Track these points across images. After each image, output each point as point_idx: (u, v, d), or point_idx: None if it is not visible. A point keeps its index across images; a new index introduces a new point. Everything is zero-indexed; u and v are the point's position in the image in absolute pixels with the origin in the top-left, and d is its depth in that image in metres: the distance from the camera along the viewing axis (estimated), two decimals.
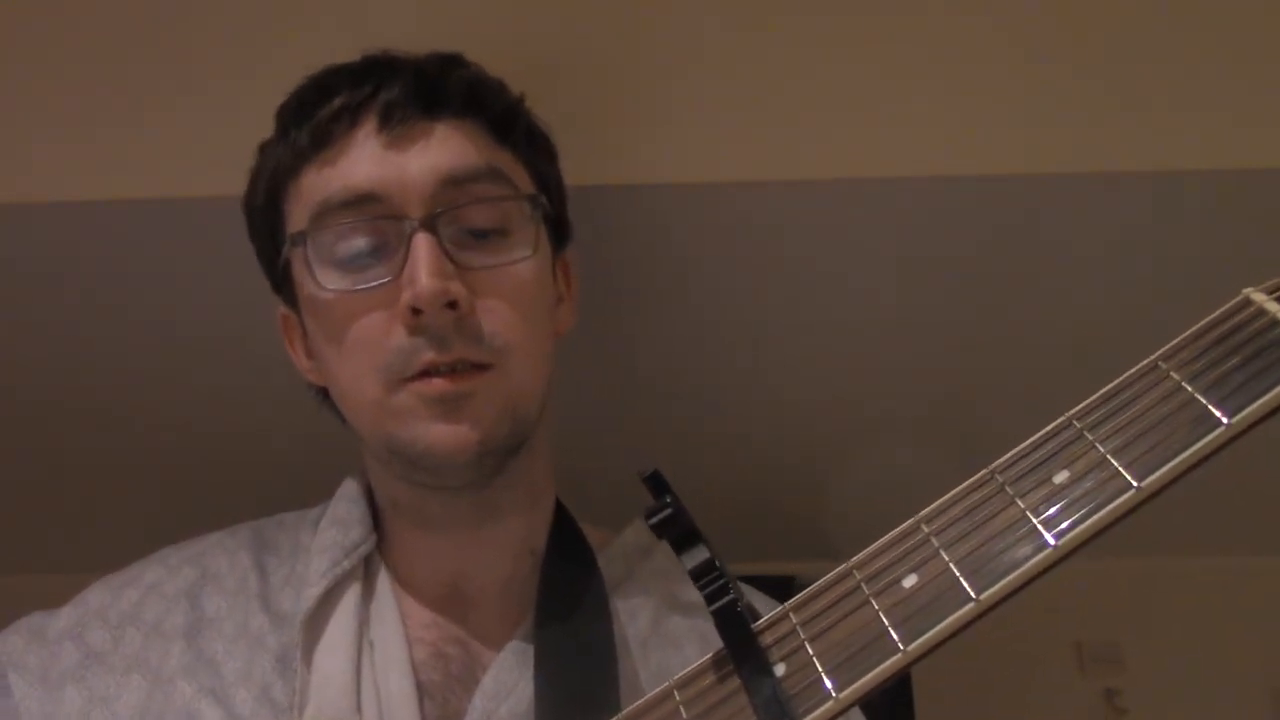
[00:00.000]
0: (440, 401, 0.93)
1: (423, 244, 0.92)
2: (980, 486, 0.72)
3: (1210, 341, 0.70)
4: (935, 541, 0.70)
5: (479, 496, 1.01)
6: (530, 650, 0.97)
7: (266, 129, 1.04)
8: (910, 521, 0.73)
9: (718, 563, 0.72)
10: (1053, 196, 1.26)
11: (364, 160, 0.96)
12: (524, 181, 1.02)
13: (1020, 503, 0.69)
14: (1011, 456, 0.72)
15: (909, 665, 0.68)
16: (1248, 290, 0.72)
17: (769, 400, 1.56)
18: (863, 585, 0.71)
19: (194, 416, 1.54)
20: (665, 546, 0.75)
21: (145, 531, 1.18)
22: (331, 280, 0.95)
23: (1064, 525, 0.67)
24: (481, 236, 0.97)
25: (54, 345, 1.41)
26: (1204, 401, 0.67)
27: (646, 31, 1.25)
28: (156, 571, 1.05)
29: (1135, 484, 0.66)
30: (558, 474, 1.11)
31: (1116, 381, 0.72)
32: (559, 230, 1.09)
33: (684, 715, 0.72)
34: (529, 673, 0.96)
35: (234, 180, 1.07)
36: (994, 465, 0.72)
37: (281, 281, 1.05)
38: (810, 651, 0.70)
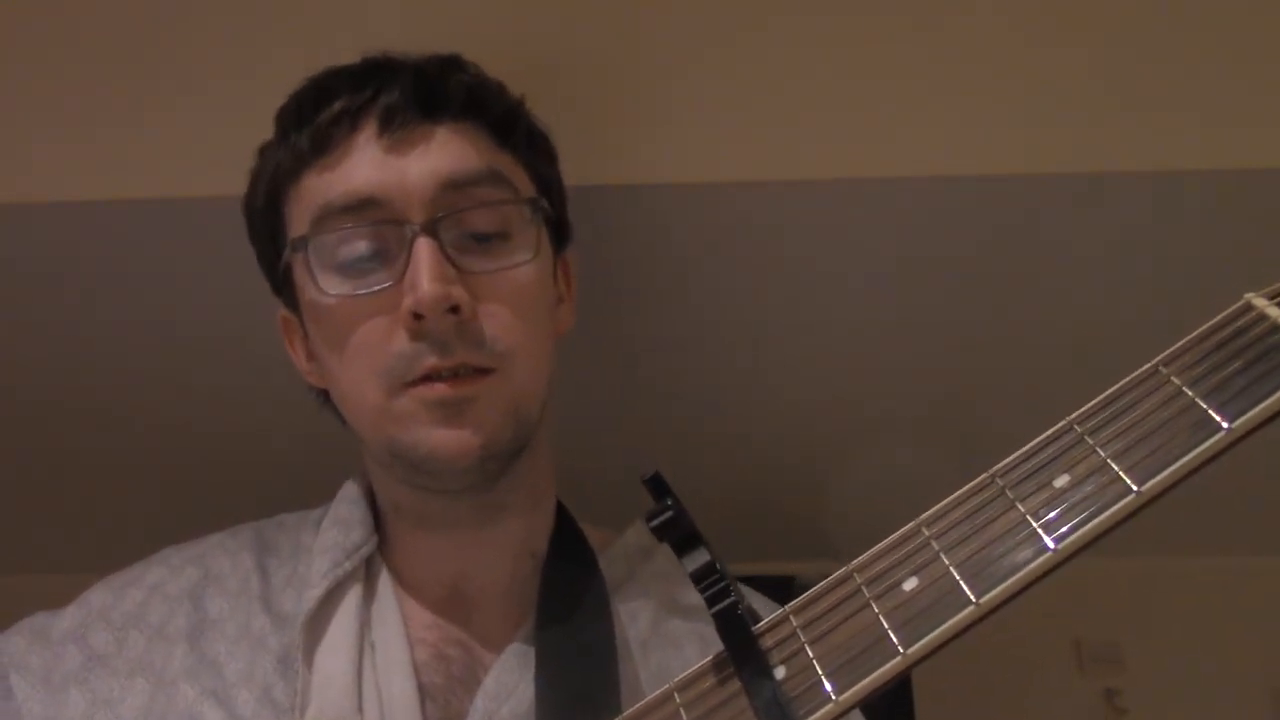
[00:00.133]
0: (442, 406, 0.93)
1: (424, 249, 0.92)
2: (981, 490, 0.72)
3: (1211, 346, 0.70)
4: (936, 545, 0.70)
5: (481, 498, 1.01)
6: (531, 652, 0.97)
7: (266, 129, 1.04)
8: (911, 525, 0.73)
9: (718, 565, 0.73)
10: (1053, 196, 1.26)
11: (364, 164, 0.96)
12: (524, 184, 1.02)
13: (1021, 506, 0.69)
14: (1012, 460, 0.72)
15: (909, 668, 0.68)
16: (1249, 295, 0.72)
17: (769, 400, 1.56)
18: (863, 588, 0.71)
19: (194, 416, 1.54)
20: (666, 548, 0.75)
21: (145, 531, 1.18)
22: (333, 285, 0.95)
23: (1064, 529, 0.67)
24: (483, 240, 0.97)
25: (54, 345, 1.41)
26: (1204, 406, 0.67)
27: (646, 31, 1.25)
28: (159, 572, 1.05)
29: (1135, 488, 0.66)
30: (558, 474, 1.11)
31: (1117, 386, 0.72)
32: (559, 231, 1.09)
33: (684, 717, 0.73)
34: (530, 674, 0.96)
35: (234, 180, 1.07)
36: (995, 469, 0.72)
37: (282, 285, 1.05)
38: (810, 654, 0.70)
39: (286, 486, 1.28)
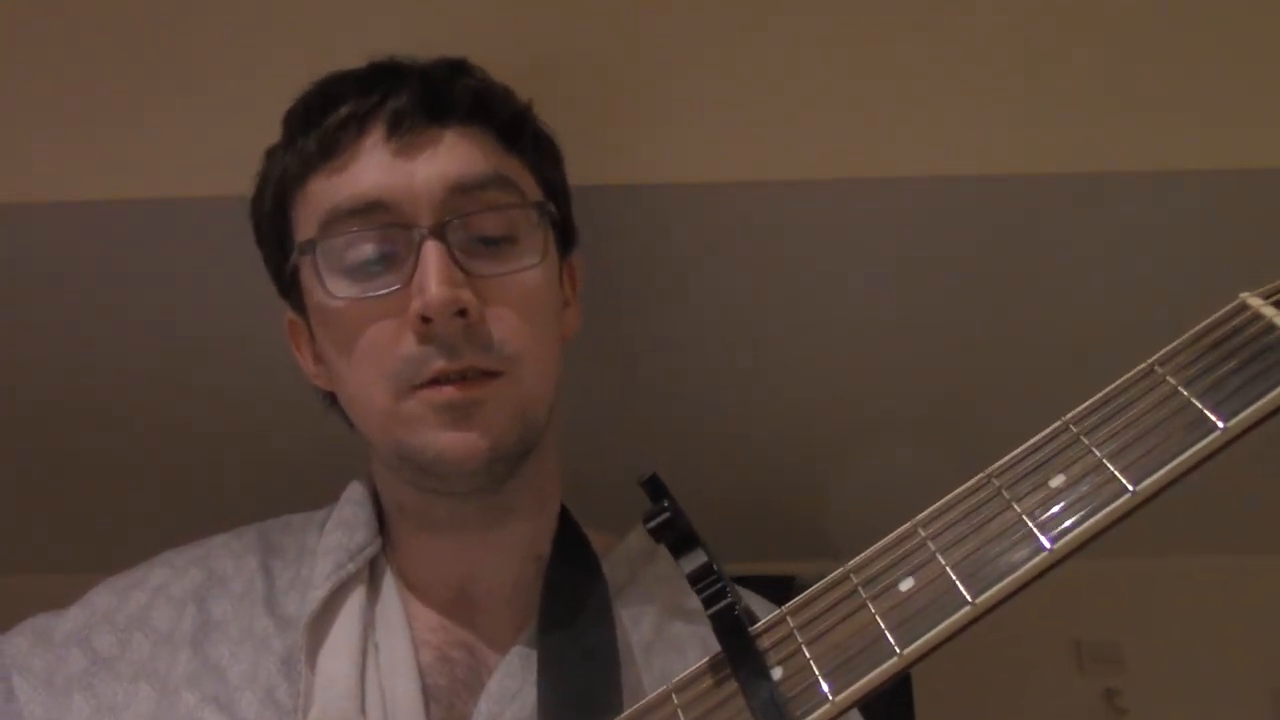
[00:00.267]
0: (450, 409, 0.93)
1: (432, 252, 0.92)
2: (977, 490, 0.72)
3: (1206, 345, 0.70)
4: (932, 545, 0.70)
5: (488, 501, 1.01)
6: (534, 655, 0.97)
7: (267, 129, 1.04)
8: (907, 525, 0.73)
9: (715, 566, 0.73)
10: (1053, 196, 1.26)
11: (372, 168, 0.96)
12: (531, 188, 1.02)
13: (1017, 506, 0.69)
14: (1008, 460, 0.72)
15: (906, 668, 0.68)
16: (1244, 295, 0.72)
17: (769, 400, 1.56)
18: (860, 589, 0.71)
19: (194, 416, 1.54)
20: (669, 552, 0.75)
21: (145, 531, 1.18)
22: (341, 288, 0.95)
23: (1060, 529, 0.67)
24: (490, 244, 0.97)
25: (54, 345, 1.41)
26: (1200, 405, 0.67)
27: (646, 31, 1.25)
28: (162, 573, 1.05)
29: (1131, 488, 0.66)
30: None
31: (1113, 386, 0.72)
32: (565, 234, 1.09)
33: (682, 718, 0.73)
34: (533, 678, 0.96)
35: (234, 180, 1.07)
36: (991, 469, 0.73)
37: (289, 288, 1.04)
38: (807, 655, 0.70)
39: (286, 487, 1.28)
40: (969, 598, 0.67)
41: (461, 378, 0.93)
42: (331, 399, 1.07)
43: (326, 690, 0.94)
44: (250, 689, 0.94)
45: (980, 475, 0.73)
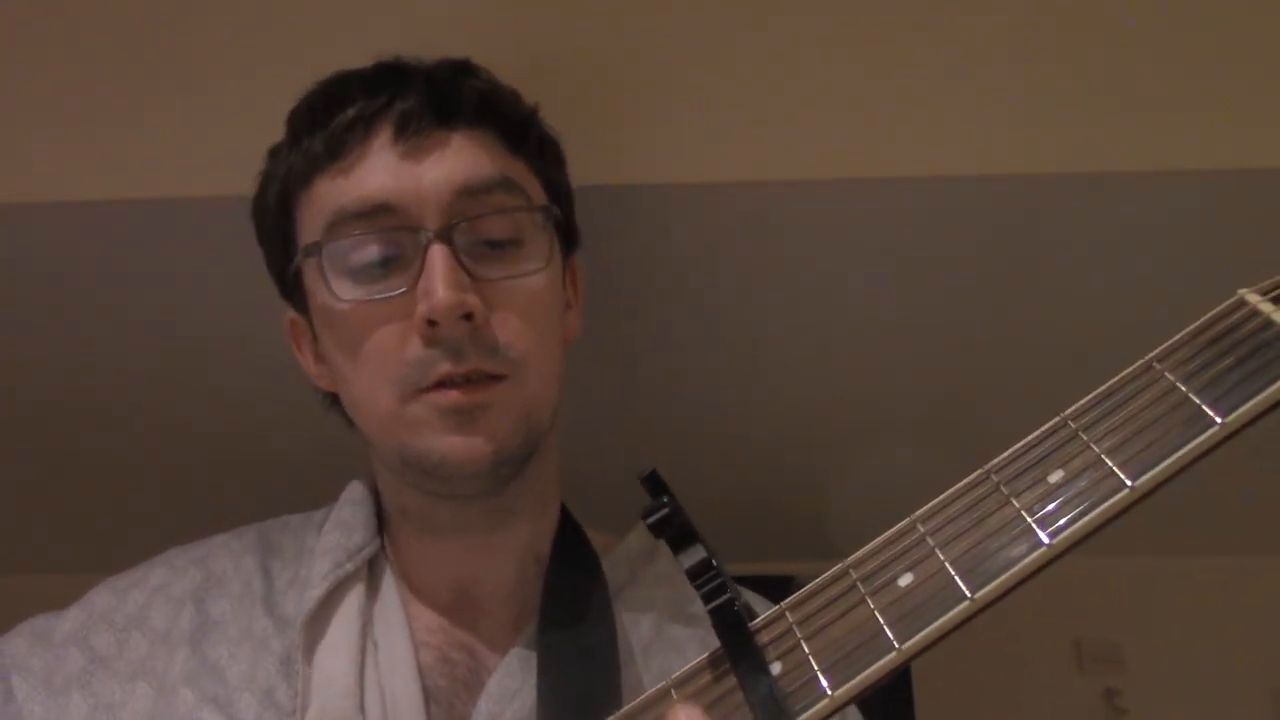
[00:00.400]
0: (456, 413, 0.93)
1: (439, 256, 0.92)
2: (976, 486, 0.72)
3: (1205, 342, 0.71)
4: (931, 540, 0.70)
5: (490, 504, 1.01)
6: (533, 655, 0.97)
7: (267, 129, 1.04)
8: (906, 521, 0.73)
9: (714, 562, 0.73)
10: (1053, 196, 1.26)
11: (379, 170, 0.96)
12: (536, 191, 1.02)
13: (1015, 502, 0.69)
14: (1007, 456, 0.73)
15: (904, 664, 0.68)
16: (1242, 291, 0.72)
17: (769, 400, 1.56)
18: (859, 584, 0.71)
19: (194, 416, 1.54)
20: (669, 551, 0.75)
21: (145, 531, 1.18)
22: (346, 290, 0.95)
23: (1058, 524, 0.67)
24: (496, 247, 0.97)
25: (54, 345, 1.41)
26: (1198, 401, 0.68)
27: (646, 32, 1.25)
28: (162, 573, 1.05)
29: (1129, 483, 0.66)
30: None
31: (1111, 381, 0.72)
32: (568, 236, 1.09)
33: None
34: (532, 677, 0.96)
35: (234, 180, 1.07)
36: (989, 465, 0.73)
37: (292, 288, 1.04)
38: (806, 650, 0.70)
39: (286, 487, 1.29)
40: (968, 593, 0.67)
41: (466, 381, 0.93)
42: (332, 399, 1.07)
43: (325, 688, 0.94)
44: (249, 690, 0.94)
45: (979, 471, 0.73)
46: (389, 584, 1.03)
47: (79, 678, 0.97)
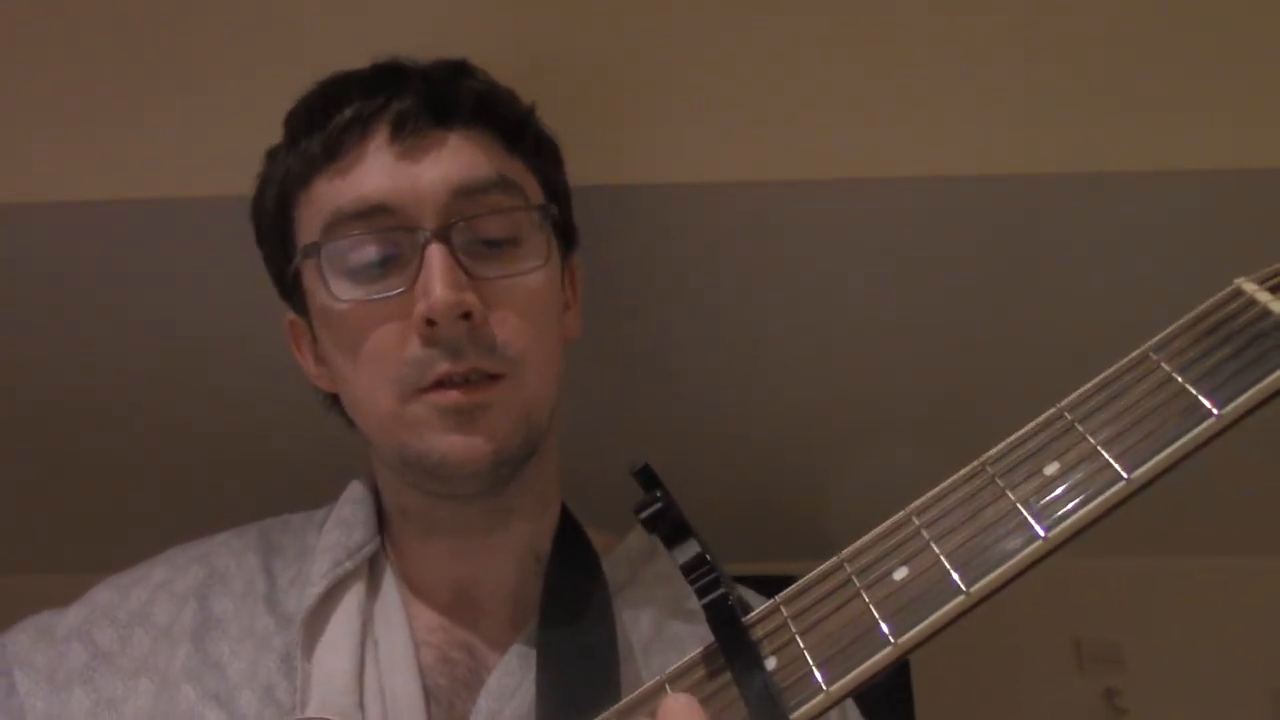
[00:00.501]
0: (455, 413, 0.93)
1: (437, 255, 0.92)
2: (971, 478, 0.72)
3: (1201, 332, 0.70)
4: (926, 534, 0.70)
5: (490, 504, 1.01)
6: (533, 653, 0.97)
7: (266, 129, 1.04)
8: (901, 514, 0.73)
9: (708, 556, 0.72)
10: (1053, 196, 1.26)
11: (376, 171, 0.96)
12: (534, 190, 1.02)
13: (1011, 495, 0.69)
14: (1003, 448, 0.72)
15: (900, 658, 0.68)
16: (1239, 280, 0.72)
17: (769, 400, 1.56)
18: (854, 578, 0.71)
19: (194, 416, 1.54)
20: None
21: (145, 531, 1.18)
22: (345, 290, 0.95)
23: (1055, 517, 0.67)
24: (494, 246, 0.97)
25: (54, 345, 1.42)
26: (1195, 392, 0.67)
27: (646, 32, 1.25)
28: (164, 571, 1.05)
29: (1126, 475, 0.66)
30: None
31: (1107, 372, 0.72)
32: (566, 236, 1.09)
33: None
34: (532, 675, 0.96)
35: (234, 180, 1.07)
36: (985, 457, 0.72)
37: (291, 289, 1.04)
38: (801, 644, 0.70)
39: (286, 486, 1.28)
40: (963, 586, 0.67)
41: (465, 380, 0.93)
42: (333, 400, 1.07)
43: (324, 686, 0.94)
44: (250, 687, 0.94)
45: (974, 463, 0.72)
46: (389, 583, 1.03)
47: (81, 673, 0.97)
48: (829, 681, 0.68)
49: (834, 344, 1.46)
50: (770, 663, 0.70)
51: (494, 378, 0.94)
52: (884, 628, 0.68)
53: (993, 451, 0.72)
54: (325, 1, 1.25)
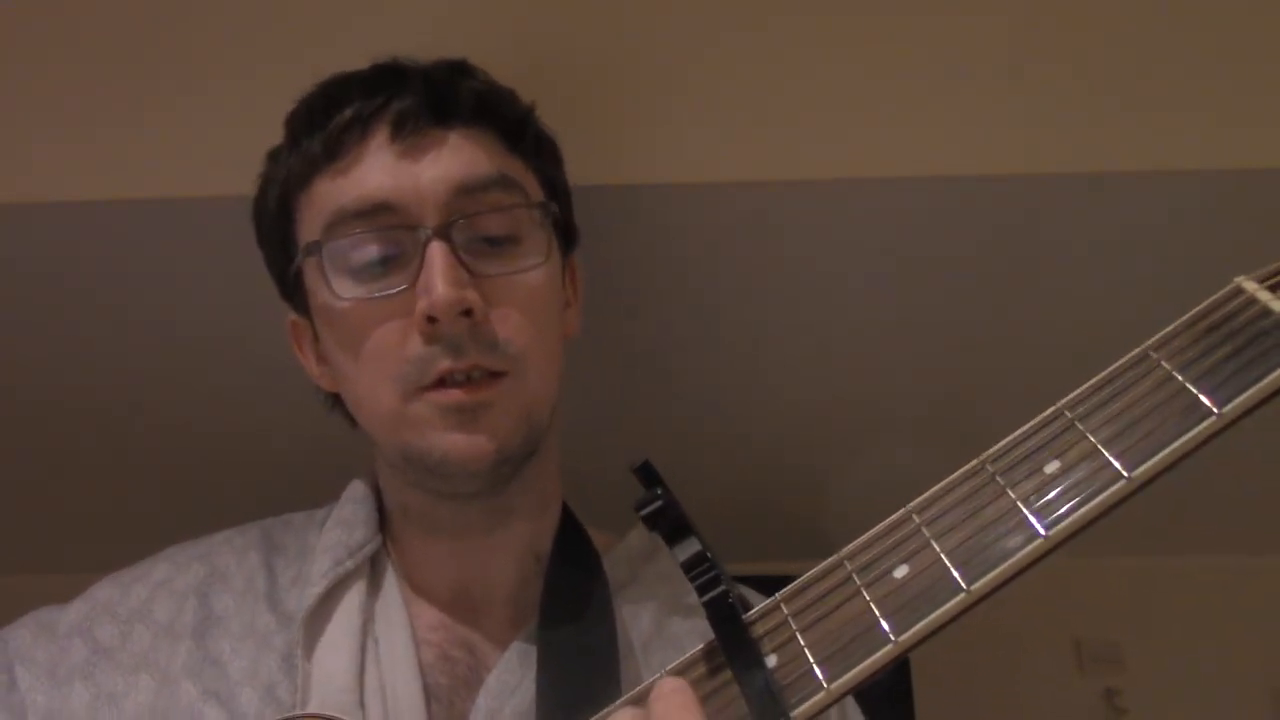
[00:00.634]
0: (458, 411, 0.93)
1: (438, 253, 0.93)
2: (971, 476, 0.72)
3: (1201, 330, 0.70)
4: (926, 532, 0.70)
5: (491, 503, 1.01)
6: (533, 651, 0.97)
7: (266, 129, 1.04)
8: (901, 512, 0.73)
9: (709, 554, 0.72)
10: (1053, 196, 1.26)
11: (377, 170, 0.96)
12: (534, 188, 1.03)
13: (1011, 493, 0.69)
14: (1003, 446, 0.72)
15: (900, 656, 0.68)
16: (1239, 279, 0.72)
17: (769, 400, 1.56)
18: (854, 576, 0.71)
19: (194, 416, 1.54)
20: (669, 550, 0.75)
21: (145, 531, 1.18)
22: (346, 289, 0.96)
23: (1055, 515, 0.67)
24: (494, 244, 0.97)
25: (54, 345, 1.41)
26: (1195, 391, 0.67)
27: (646, 32, 1.25)
28: (165, 568, 1.05)
29: (1126, 474, 0.66)
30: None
31: (1107, 371, 0.72)
32: (566, 234, 1.09)
33: None
34: (532, 672, 0.96)
35: (234, 180, 1.08)
36: (985, 455, 0.72)
37: (292, 289, 1.05)
38: (802, 642, 0.70)
39: (286, 486, 1.28)
40: (963, 584, 0.67)
41: (467, 378, 0.93)
42: (335, 400, 1.07)
43: (325, 684, 0.94)
44: (250, 685, 0.94)
45: (974, 461, 0.72)
46: (390, 582, 1.03)
47: (82, 668, 0.97)
48: (829, 679, 0.68)
49: (834, 344, 1.46)
50: (771, 660, 0.70)
51: (496, 375, 0.95)
52: (884, 625, 0.68)
53: (993, 450, 0.72)
54: (325, 1, 1.24)
